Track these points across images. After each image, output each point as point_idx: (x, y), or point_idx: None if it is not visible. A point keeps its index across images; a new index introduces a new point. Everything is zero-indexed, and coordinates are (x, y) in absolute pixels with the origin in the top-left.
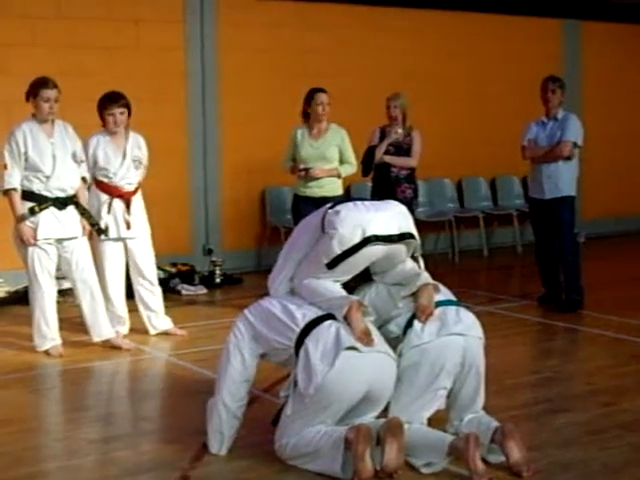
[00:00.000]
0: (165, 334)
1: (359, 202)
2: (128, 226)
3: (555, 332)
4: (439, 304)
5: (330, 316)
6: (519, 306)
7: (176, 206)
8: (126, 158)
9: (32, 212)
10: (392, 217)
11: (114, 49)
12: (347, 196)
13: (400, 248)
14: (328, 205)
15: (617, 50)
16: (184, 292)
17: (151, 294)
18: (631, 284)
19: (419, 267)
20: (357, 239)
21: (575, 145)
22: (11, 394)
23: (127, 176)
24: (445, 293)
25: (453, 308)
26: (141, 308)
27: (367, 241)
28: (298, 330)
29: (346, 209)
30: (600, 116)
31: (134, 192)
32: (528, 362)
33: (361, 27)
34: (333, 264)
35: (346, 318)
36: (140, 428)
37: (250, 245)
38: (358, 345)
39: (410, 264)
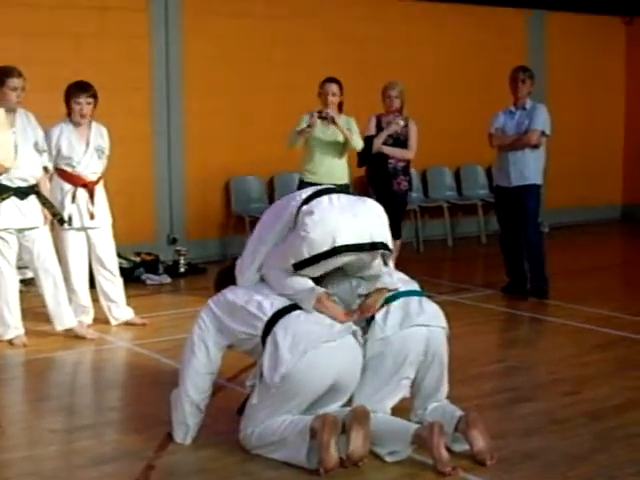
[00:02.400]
0: (127, 324)
1: (335, 198)
2: (92, 216)
3: (519, 321)
4: (401, 295)
5: (299, 306)
6: (483, 296)
7: (140, 195)
8: (89, 147)
9: None
10: (366, 224)
11: (78, 37)
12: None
13: (369, 255)
14: (303, 196)
15: (580, 41)
16: (148, 282)
17: (112, 284)
18: (594, 274)
19: (386, 266)
20: (326, 247)
21: (543, 134)
22: None
23: (90, 165)
24: (408, 283)
25: (416, 299)
26: (102, 299)
27: (336, 251)
28: (265, 319)
29: (320, 210)
30: (563, 106)
31: (97, 182)
32: (492, 351)
33: (328, 15)
34: (300, 266)
35: (315, 309)
36: (104, 418)
37: (214, 234)
38: (335, 333)
39: (377, 263)
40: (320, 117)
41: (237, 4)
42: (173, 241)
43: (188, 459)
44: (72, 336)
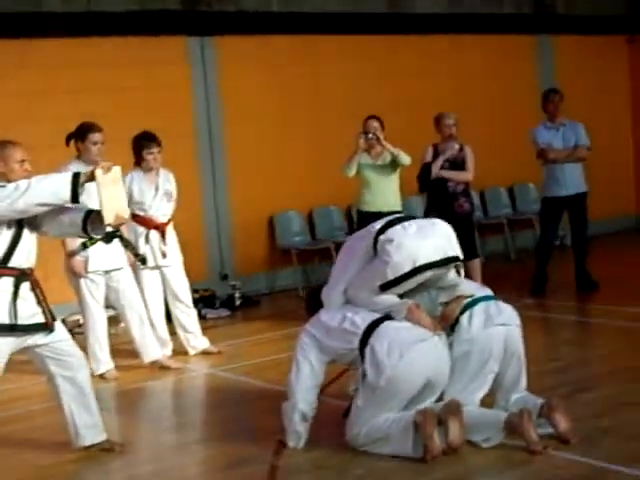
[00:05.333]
0: (203, 353)
1: (407, 224)
2: (164, 255)
3: (563, 325)
4: (481, 300)
5: (386, 318)
6: (525, 304)
7: (191, 236)
8: (158, 191)
9: (84, 246)
10: (439, 242)
11: (124, 90)
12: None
13: (445, 269)
14: (377, 227)
15: (587, 60)
16: (209, 315)
17: (188, 316)
18: (622, 279)
19: (460, 276)
20: (408, 268)
21: (588, 149)
22: None
23: (160, 208)
24: (482, 289)
25: (493, 302)
26: (180, 331)
27: (417, 270)
28: (360, 332)
29: (398, 236)
30: None
31: (167, 223)
32: (547, 351)
33: (346, 59)
34: (385, 287)
35: (407, 319)
36: (214, 433)
37: (262, 268)
38: (425, 336)
39: (452, 274)
40: (365, 136)
41: (269, 50)
42: (224, 277)
43: (305, 459)
44: (157, 367)
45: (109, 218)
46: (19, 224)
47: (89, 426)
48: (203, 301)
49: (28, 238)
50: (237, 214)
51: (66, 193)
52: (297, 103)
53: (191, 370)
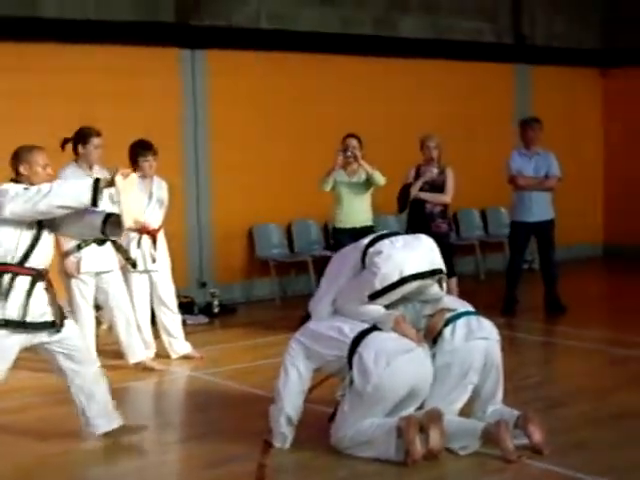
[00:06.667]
0: (185, 358)
1: (393, 239)
2: (154, 260)
3: (532, 345)
4: (463, 314)
5: (374, 328)
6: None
7: (173, 243)
8: (152, 198)
9: (78, 247)
10: (424, 255)
11: (114, 97)
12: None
13: (430, 280)
14: (365, 242)
15: (562, 91)
16: (188, 321)
17: (172, 321)
18: (590, 303)
19: (442, 289)
20: (395, 278)
21: (559, 179)
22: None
23: (153, 214)
24: (466, 305)
25: (474, 317)
26: (163, 334)
27: (404, 281)
28: (349, 341)
29: (386, 249)
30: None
31: (158, 229)
32: (518, 369)
33: (334, 74)
34: (373, 297)
35: (393, 330)
36: (200, 432)
37: (240, 278)
38: (410, 347)
39: (435, 288)
40: (344, 154)
41: (258, 65)
42: (203, 285)
43: (291, 460)
44: (141, 368)
45: (128, 222)
46: (39, 225)
47: (101, 415)
48: (182, 307)
49: (47, 239)
50: (218, 224)
51: (87, 197)
52: (280, 119)
53: (174, 372)
